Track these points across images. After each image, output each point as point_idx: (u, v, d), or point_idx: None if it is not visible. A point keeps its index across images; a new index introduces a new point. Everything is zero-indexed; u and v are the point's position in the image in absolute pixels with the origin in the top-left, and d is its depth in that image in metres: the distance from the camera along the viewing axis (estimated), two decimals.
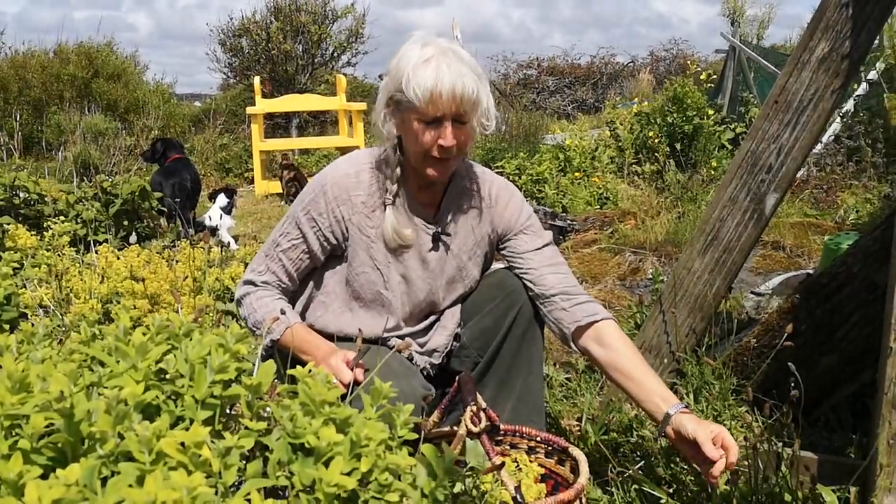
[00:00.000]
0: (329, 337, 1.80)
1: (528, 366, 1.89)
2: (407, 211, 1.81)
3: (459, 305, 1.94)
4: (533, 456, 1.70)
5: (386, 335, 1.84)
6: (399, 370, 1.71)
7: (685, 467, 1.90)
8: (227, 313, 3.34)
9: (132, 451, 0.81)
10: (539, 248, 1.89)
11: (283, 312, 1.74)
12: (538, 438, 1.70)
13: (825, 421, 2.19)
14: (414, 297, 1.86)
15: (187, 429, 0.85)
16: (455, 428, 1.63)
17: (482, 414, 1.45)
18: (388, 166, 1.78)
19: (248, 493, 0.83)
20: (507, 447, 1.73)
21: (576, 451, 1.60)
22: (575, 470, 1.57)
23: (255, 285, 1.83)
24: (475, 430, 1.43)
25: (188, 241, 4.18)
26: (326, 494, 0.86)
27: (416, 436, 1.15)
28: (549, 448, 1.69)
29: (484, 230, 1.90)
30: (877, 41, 6.62)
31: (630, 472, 1.85)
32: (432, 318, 1.92)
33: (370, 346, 1.72)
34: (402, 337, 1.86)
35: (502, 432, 1.70)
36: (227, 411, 1.07)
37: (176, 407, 0.99)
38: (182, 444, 0.81)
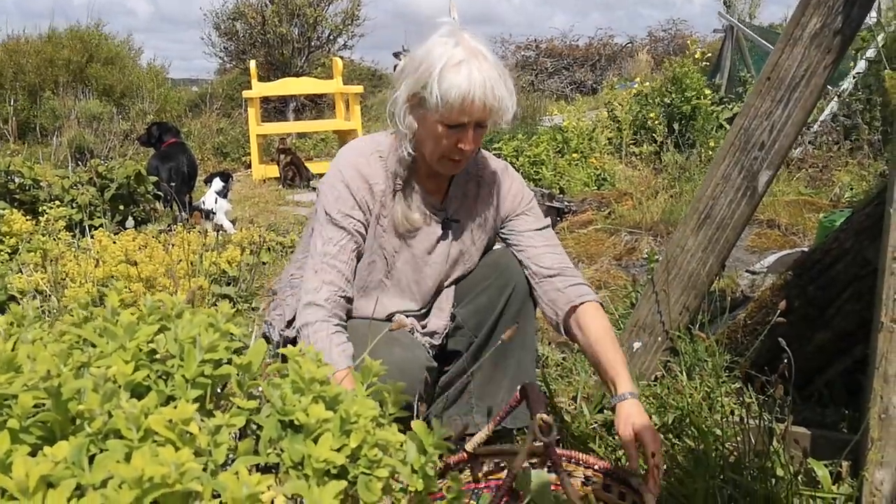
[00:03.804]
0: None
1: (522, 343, 1.91)
2: (415, 197, 1.81)
3: (454, 286, 1.95)
4: (590, 486, 1.55)
5: (390, 315, 1.86)
6: (405, 341, 1.74)
7: (677, 442, 1.92)
8: (224, 297, 3.35)
9: (120, 428, 0.82)
10: (539, 229, 1.91)
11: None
12: (596, 467, 1.55)
13: (818, 396, 2.20)
14: (423, 284, 1.87)
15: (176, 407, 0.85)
16: (512, 445, 1.59)
17: (553, 425, 1.30)
18: (401, 157, 1.76)
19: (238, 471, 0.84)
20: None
21: (640, 485, 1.46)
22: None
23: (318, 305, 1.70)
24: (546, 439, 1.29)
25: (183, 225, 4.19)
26: (315, 470, 0.87)
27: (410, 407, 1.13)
28: (609, 479, 1.53)
29: (489, 214, 1.91)
30: (875, 17, 6.59)
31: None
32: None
33: None
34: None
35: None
36: (219, 391, 1.08)
37: (166, 387, 1.00)
38: (170, 420, 0.81)
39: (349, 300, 1.77)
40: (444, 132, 1.65)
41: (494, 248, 2.00)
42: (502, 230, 1.94)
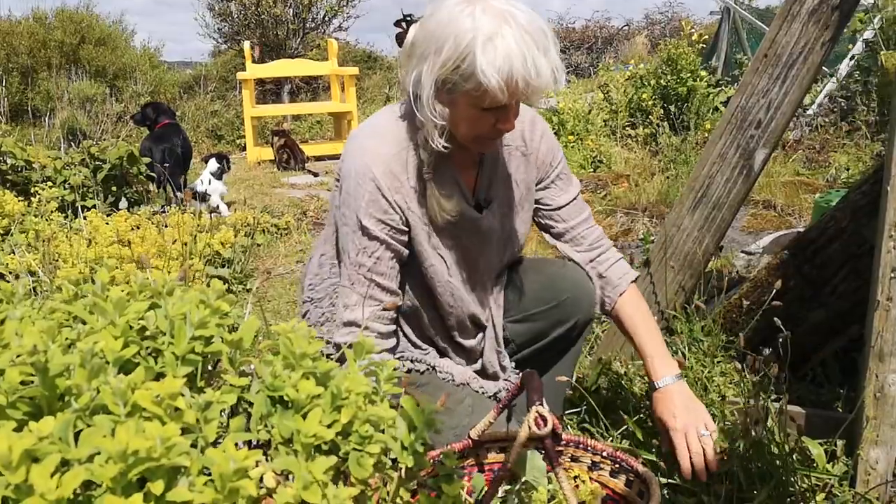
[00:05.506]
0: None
1: (565, 367, 1.89)
2: (448, 183, 1.62)
3: (502, 309, 1.82)
4: (596, 472, 1.54)
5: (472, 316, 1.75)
6: (479, 408, 1.69)
7: None
8: (219, 278, 3.34)
9: (107, 404, 0.81)
10: (573, 200, 1.77)
11: None
12: (604, 453, 1.52)
13: (813, 376, 2.20)
14: (473, 271, 1.73)
15: None
16: (515, 430, 1.54)
17: (548, 417, 1.27)
18: (426, 145, 1.54)
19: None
20: (568, 460, 1.56)
21: (646, 472, 1.43)
22: (643, 495, 1.43)
23: (360, 326, 1.57)
24: (540, 433, 1.25)
25: (177, 207, 4.16)
26: (304, 445, 0.86)
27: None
28: (616, 466, 1.52)
29: (528, 179, 1.73)
30: None
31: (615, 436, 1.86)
32: (480, 332, 1.82)
33: None
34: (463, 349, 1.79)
35: (563, 442, 1.53)
36: (211, 369, 1.07)
37: (156, 364, 0.99)
38: (157, 395, 0.80)
39: (398, 311, 1.66)
40: (482, 115, 1.46)
41: (554, 259, 1.86)
42: (538, 202, 1.77)
